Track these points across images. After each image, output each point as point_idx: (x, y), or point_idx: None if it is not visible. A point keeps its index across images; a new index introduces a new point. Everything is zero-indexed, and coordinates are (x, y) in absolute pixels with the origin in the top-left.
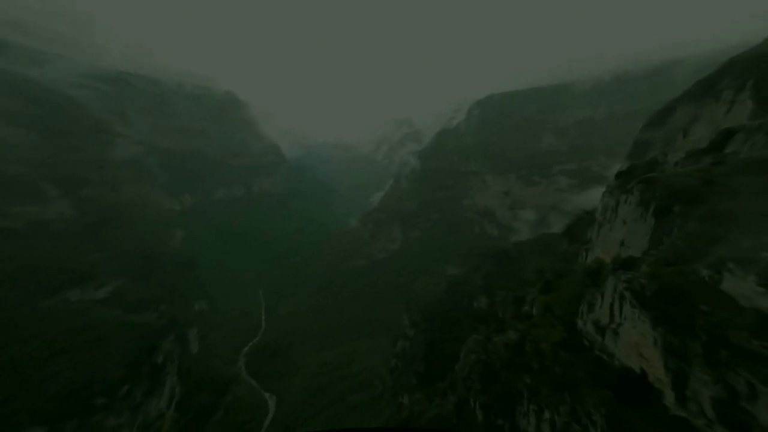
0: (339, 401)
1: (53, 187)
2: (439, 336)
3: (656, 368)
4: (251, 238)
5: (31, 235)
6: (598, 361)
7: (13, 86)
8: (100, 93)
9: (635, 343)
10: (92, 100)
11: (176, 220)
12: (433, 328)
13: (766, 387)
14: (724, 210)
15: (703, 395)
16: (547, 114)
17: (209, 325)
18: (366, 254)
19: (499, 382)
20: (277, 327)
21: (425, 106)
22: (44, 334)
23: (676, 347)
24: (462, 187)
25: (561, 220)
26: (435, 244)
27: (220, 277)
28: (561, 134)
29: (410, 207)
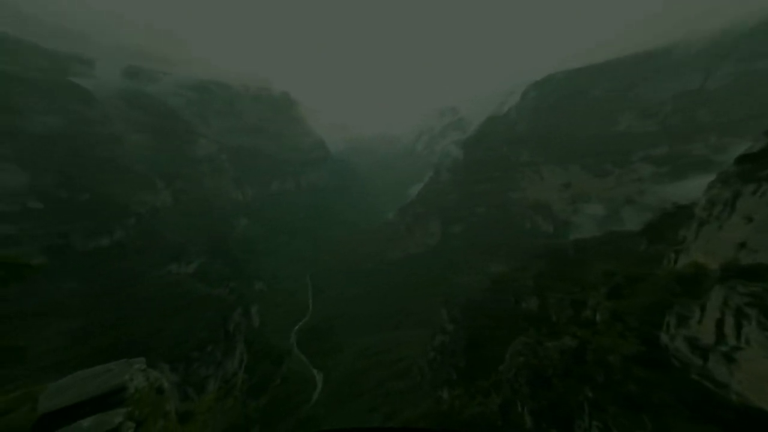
0: (379, 386)
1: (160, 180)
2: (480, 333)
3: None
4: (299, 228)
5: (150, 218)
6: (697, 388)
7: (139, 101)
8: (188, 100)
9: None
10: (183, 107)
11: (241, 210)
12: (473, 325)
13: None
14: None
15: None
16: (629, 90)
17: (267, 303)
18: (402, 248)
19: (552, 389)
20: (322, 310)
21: (472, 92)
22: (159, 297)
23: None
24: (511, 178)
25: (638, 216)
26: (478, 240)
27: (274, 261)
28: (648, 113)
29: (451, 200)
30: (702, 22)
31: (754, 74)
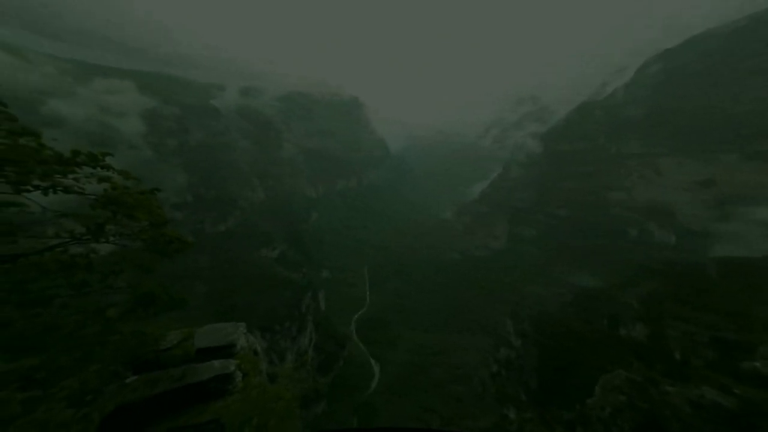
0: (437, 387)
1: (256, 179)
2: (557, 355)
3: None
4: (360, 224)
5: (249, 210)
6: None
7: (247, 114)
8: (277, 109)
9: None
10: (273, 114)
11: (312, 205)
12: (548, 344)
13: None
14: None
15: None
16: None
17: (330, 291)
18: (461, 248)
19: None
20: (378, 302)
21: (558, 76)
22: (254, 275)
23: None
24: (610, 174)
25: None
26: (557, 246)
27: (337, 253)
28: None
29: (522, 199)
30: None
31: None
